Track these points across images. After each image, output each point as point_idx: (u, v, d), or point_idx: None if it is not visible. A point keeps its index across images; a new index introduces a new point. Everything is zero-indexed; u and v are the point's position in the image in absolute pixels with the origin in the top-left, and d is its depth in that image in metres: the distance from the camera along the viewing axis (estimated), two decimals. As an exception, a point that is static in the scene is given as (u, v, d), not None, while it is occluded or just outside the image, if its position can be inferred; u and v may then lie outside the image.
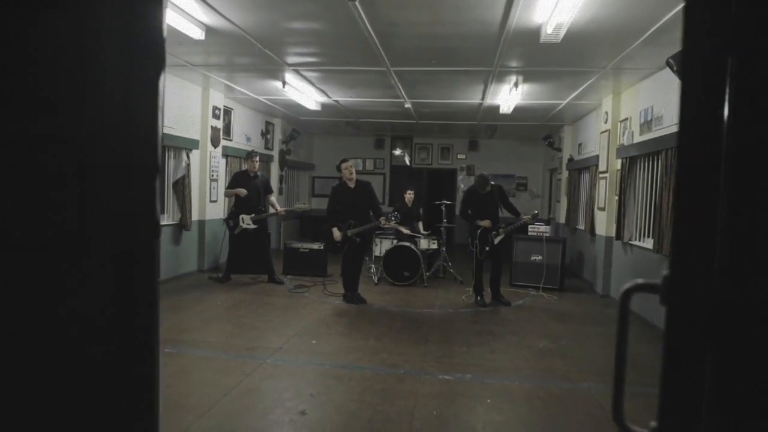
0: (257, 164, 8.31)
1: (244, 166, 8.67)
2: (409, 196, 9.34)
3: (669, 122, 6.24)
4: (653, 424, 0.87)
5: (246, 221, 8.01)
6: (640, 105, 7.26)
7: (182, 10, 5.03)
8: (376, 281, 8.62)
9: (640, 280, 0.94)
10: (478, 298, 7.36)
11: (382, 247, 8.90)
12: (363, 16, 5.00)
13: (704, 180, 0.86)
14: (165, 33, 1.20)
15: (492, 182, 7.35)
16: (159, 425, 1.31)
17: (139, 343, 1.13)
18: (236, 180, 8.26)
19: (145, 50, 1.10)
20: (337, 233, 6.96)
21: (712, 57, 0.93)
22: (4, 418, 1.07)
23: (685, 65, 0.97)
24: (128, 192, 1.15)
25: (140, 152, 1.15)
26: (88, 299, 1.11)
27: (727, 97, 0.89)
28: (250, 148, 10.67)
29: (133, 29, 1.09)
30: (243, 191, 7.98)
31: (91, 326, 1.12)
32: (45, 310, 1.10)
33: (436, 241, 9.15)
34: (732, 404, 0.82)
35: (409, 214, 9.27)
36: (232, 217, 8.15)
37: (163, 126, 1.32)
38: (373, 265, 8.99)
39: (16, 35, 1.11)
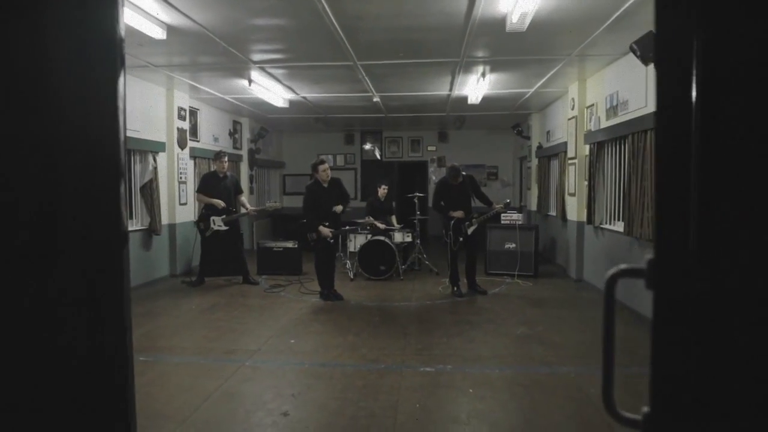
0: (226, 165, 8.19)
1: (213, 167, 8.52)
2: (383, 190, 9.32)
3: (634, 106, 6.35)
4: (645, 409, 0.86)
5: (217, 223, 7.89)
6: (605, 90, 7.37)
7: (142, 9, 4.89)
8: (351, 277, 8.60)
9: (623, 266, 0.94)
10: (455, 288, 7.40)
11: (356, 242, 8.87)
12: (327, 9, 4.94)
13: (682, 161, 0.86)
14: (123, 32, 1.15)
15: (463, 173, 7.38)
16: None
17: (109, 354, 1.08)
18: (206, 182, 8.12)
19: (101, 50, 1.05)
20: (326, 230, 6.89)
21: (678, 38, 0.92)
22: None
23: (656, 49, 0.96)
24: (92, 199, 1.10)
25: (102, 157, 1.10)
26: (54, 309, 1.06)
27: (694, 80, 0.89)
28: (218, 149, 10.52)
29: (88, 29, 1.04)
30: (221, 203, 7.84)
31: (58, 337, 1.07)
32: (11, 321, 1.05)
33: (410, 234, 9.16)
34: (722, 387, 0.82)
35: (382, 208, 9.25)
36: (202, 220, 8.01)
37: (125, 129, 1.27)
38: (348, 261, 8.96)
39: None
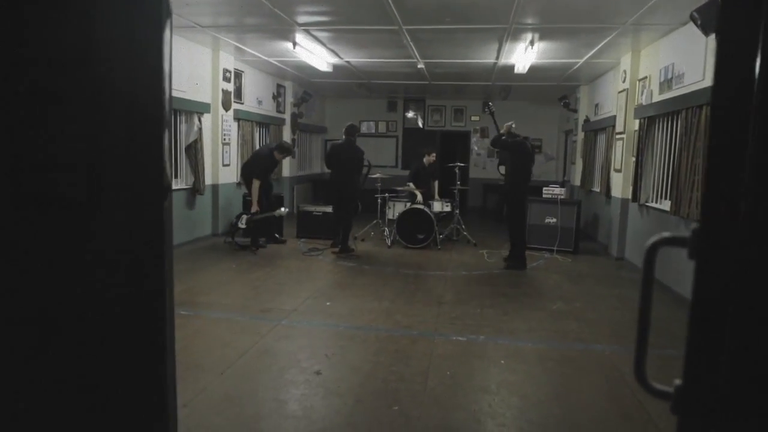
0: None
1: (267, 140, 8.59)
2: (431, 158, 9.32)
3: (690, 80, 6.06)
4: (678, 381, 0.84)
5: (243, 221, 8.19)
6: (660, 63, 7.05)
7: (189, -32, 4.91)
8: (389, 244, 8.63)
9: (665, 234, 0.90)
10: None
11: (395, 210, 8.87)
12: (374, -29, 4.85)
13: (735, 131, 0.81)
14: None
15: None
16: (175, 391, 1.31)
17: (149, 309, 1.12)
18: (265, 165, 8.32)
19: (147, 3, 1.06)
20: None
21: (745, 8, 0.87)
22: (14, 385, 1.07)
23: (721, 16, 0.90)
24: (136, 151, 1.12)
25: (146, 109, 1.11)
26: (96, 261, 1.10)
27: (759, 51, 0.83)
28: (262, 112, 10.67)
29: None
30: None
31: (98, 291, 1.11)
32: (53, 271, 1.09)
33: (449, 204, 9.10)
34: (759, 364, 0.79)
35: (425, 174, 9.24)
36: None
37: (171, 83, 1.28)
38: (386, 228, 8.99)
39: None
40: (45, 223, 1.15)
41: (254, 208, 8.07)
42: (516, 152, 7.36)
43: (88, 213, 1.18)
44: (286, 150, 8.42)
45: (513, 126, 7.49)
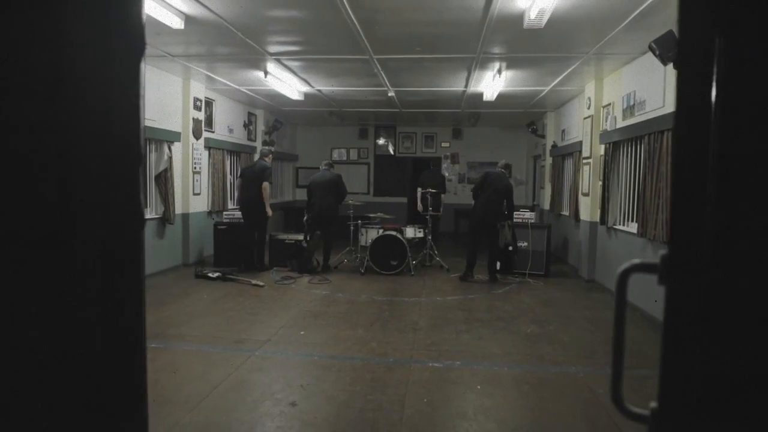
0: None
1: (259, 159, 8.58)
2: None
3: (652, 107, 6.28)
4: (653, 404, 0.86)
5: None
6: (623, 90, 7.29)
7: (160, -1, 4.93)
8: (362, 271, 8.60)
9: (636, 261, 0.93)
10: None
11: (368, 236, 8.87)
12: (345, 3, 4.94)
13: (700, 157, 0.85)
14: (144, 18, 1.16)
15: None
16: (148, 423, 1.28)
17: (125, 341, 1.10)
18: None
19: (123, 34, 1.06)
20: None
21: (701, 37, 0.91)
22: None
23: (679, 48, 0.95)
24: (110, 181, 1.11)
25: (122, 140, 1.11)
26: (71, 296, 1.08)
27: (714, 79, 0.88)
28: (232, 140, 10.66)
29: (110, 13, 1.05)
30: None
31: (74, 325, 1.09)
32: (25, 309, 1.06)
33: (422, 230, 9.14)
34: (732, 386, 0.81)
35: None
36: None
37: (144, 116, 1.29)
38: (359, 255, 8.97)
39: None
40: (13, 260, 1.13)
41: (269, 211, 8.48)
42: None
43: (63, 246, 1.16)
44: (269, 151, 9.08)
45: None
